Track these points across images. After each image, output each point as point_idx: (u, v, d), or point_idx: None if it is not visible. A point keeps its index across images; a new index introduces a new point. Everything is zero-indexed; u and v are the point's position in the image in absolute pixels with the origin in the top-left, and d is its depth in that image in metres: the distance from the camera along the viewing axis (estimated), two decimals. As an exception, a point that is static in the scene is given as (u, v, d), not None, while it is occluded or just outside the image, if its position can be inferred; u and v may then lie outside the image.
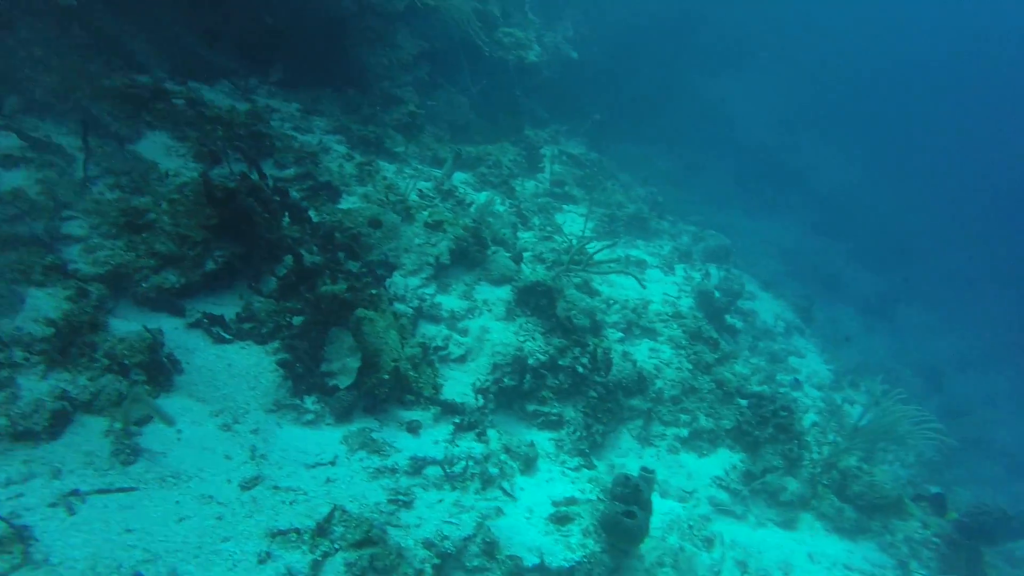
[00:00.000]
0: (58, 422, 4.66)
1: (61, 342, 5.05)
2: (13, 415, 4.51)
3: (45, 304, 5.31)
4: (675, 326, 9.68)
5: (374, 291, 6.24)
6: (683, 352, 9.12)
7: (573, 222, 11.53)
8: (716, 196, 22.24)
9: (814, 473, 8.44)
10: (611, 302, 9.54)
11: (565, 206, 11.95)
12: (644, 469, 5.90)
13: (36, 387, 4.81)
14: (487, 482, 5.97)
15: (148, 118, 7.79)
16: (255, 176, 6.55)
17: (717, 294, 11.09)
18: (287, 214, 6.92)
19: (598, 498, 6.38)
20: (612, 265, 8.34)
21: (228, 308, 6.33)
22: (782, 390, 10.61)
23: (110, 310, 5.68)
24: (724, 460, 8.35)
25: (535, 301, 8.21)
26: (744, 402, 8.83)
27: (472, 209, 9.57)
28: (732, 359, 9.96)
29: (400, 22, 11.97)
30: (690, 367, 8.89)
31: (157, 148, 7.58)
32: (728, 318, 11.02)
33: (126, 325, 5.63)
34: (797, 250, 21.73)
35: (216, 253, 6.28)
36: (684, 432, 8.46)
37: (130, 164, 6.69)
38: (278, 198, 6.71)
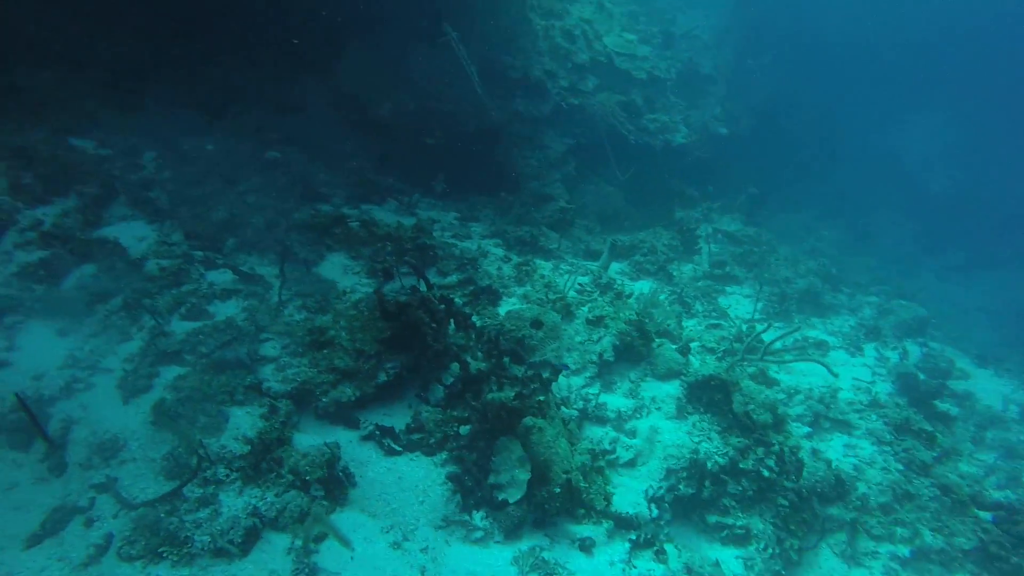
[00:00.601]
0: (249, 539, 4.91)
1: (255, 458, 5.43)
2: (214, 532, 4.84)
3: (244, 422, 5.82)
4: (874, 417, 8.33)
5: (541, 397, 6.06)
6: (888, 449, 7.73)
7: (739, 304, 10.70)
8: (896, 260, 19.75)
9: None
10: (792, 392, 8.49)
11: (727, 288, 11.19)
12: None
13: (234, 503, 5.16)
14: (674, 613, 5.25)
15: (329, 242, 8.66)
16: (423, 288, 6.86)
17: (922, 376, 9.45)
18: (452, 322, 7.12)
19: (811, 640, 5.33)
20: (794, 353, 7.43)
21: (398, 418, 6.51)
22: (1034, 496, 8.51)
23: (295, 425, 6.08)
24: (971, 591, 6.71)
25: (708, 396, 7.50)
26: (986, 515, 7.15)
27: (631, 300, 9.25)
28: (955, 456, 8.27)
29: (546, 124, 12.53)
30: (900, 467, 7.47)
31: (336, 268, 8.35)
32: (939, 404, 9.26)
33: (307, 439, 5.97)
34: (1017, 312, 18.21)
35: (388, 365, 6.56)
36: (904, 551, 6.99)
37: (314, 286, 7.38)
38: (444, 307, 6.95)
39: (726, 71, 17.00)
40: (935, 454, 7.55)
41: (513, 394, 6.01)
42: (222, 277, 7.38)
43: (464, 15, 11.57)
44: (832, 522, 7.04)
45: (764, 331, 7.80)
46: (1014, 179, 24.17)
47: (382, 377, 6.53)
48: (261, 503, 5.19)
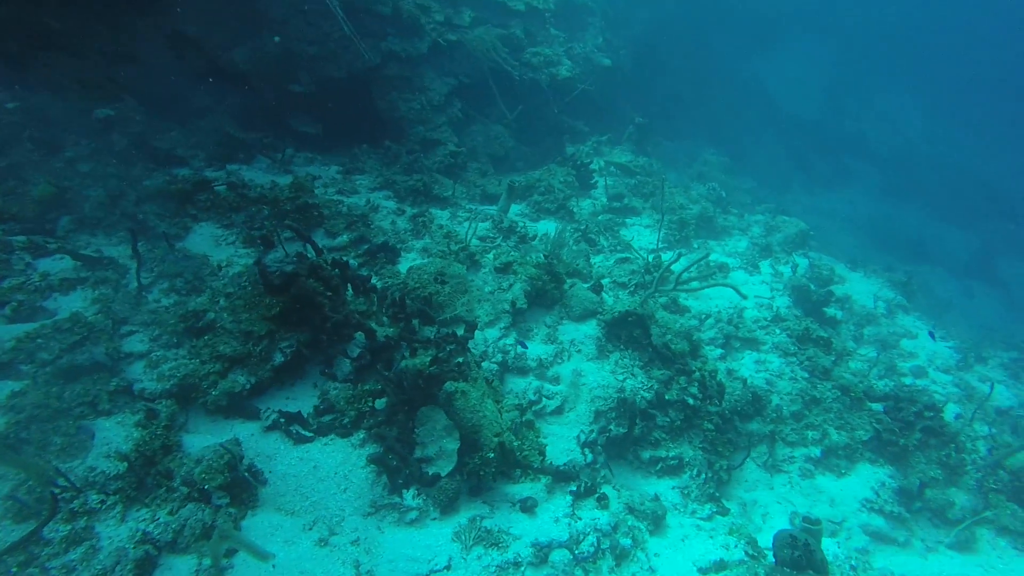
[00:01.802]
0: (143, 570, 4.15)
1: (136, 476, 4.58)
2: (94, 573, 4.03)
3: (115, 434, 4.89)
4: (778, 331, 8.70)
5: (460, 359, 5.60)
6: (794, 360, 8.12)
7: (640, 235, 10.71)
8: (772, 179, 21.04)
9: (979, 479, 7.26)
10: (703, 317, 8.65)
11: (628, 220, 11.16)
12: (806, 519, 4.98)
13: (115, 533, 4.33)
14: (621, 557, 5.17)
15: (193, 211, 7.49)
16: (311, 253, 6.06)
17: (812, 286, 10.01)
18: (350, 287, 6.41)
19: (748, 555, 5.48)
20: (703, 280, 7.47)
21: (304, 401, 5.81)
22: (907, 381, 9.40)
23: (182, 426, 5.23)
24: (869, 478, 7.27)
25: (626, 332, 7.42)
26: (878, 406, 7.73)
27: (537, 243, 8.90)
28: (846, 357, 8.88)
29: (424, 64, 11.58)
30: (806, 375, 7.87)
31: (206, 240, 7.25)
32: (827, 310, 9.91)
33: (200, 440, 5.16)
34: (871, 220, 20.17)
35: (283, 344, 5.79)
36: (815, 451, 7.43)
37: (182, 264, 6.32)
38: (338, 271, 6.20)
39: (602, 1, 16.63)
40: (832, 358, 8.01)
41: (429, 359, 5.50)
42: (58, 265, 6.12)
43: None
44: (754, 437, 7.29)
45: (673, 261, 7.77)
46: (864, 104, 26.26)
47: (278, 358, 5.76)
48: (152, 526, 4.40)
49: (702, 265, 9.32)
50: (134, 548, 4.17)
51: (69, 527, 4.21)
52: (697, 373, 7.09)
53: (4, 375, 4.92)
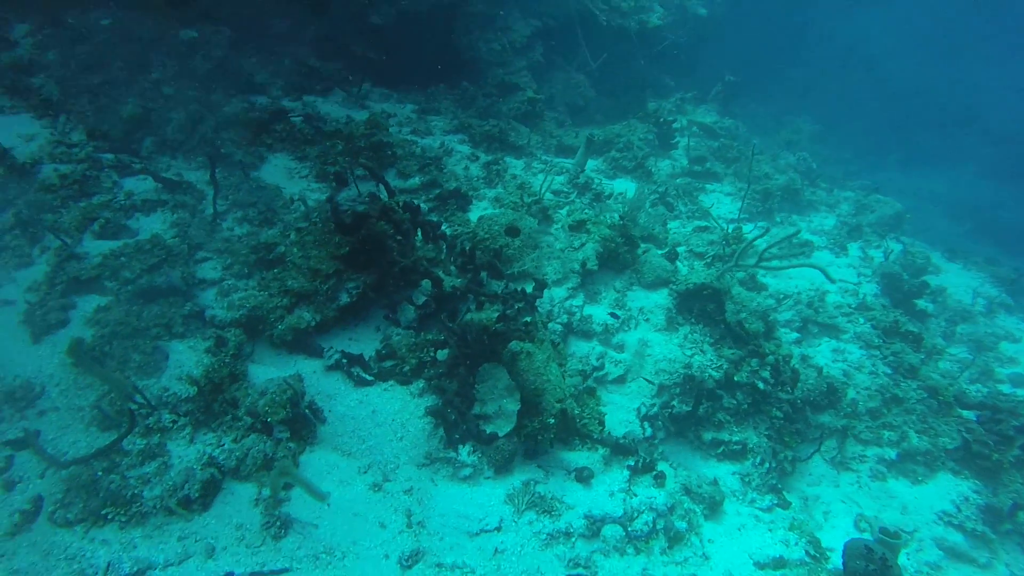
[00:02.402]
0: (209, 491, 4.27)
1: (205, 400, 4.68)
2: (167, 487, 4.16)
3: (187, 358, 4.99)
4: (862, 320, 8.11)
5: (528, 319, 5.41)
6: (877, 353, 7.55)
7: (720, 203, 10.09)
8: (868, 152, 19.52)
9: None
10: (781, 297, 8.14)
11: (708, 185, 10.53)
12: (884, 531, 4.64)
13: (185, 453, 4.46)
14: (674, 539, 5.00)
15: (269, 141, 7.46)
16: (384, 194, 5.92)
17: (905, 275, 9.25)
18: (419, 232, 6.26)
19: (809, 555, 5.21)
20: (788, 259, 6.95)
21: (366, 344, 5.79)
22: (1005, 389, 8.65)
23: (249, 356, 5.30)
24: (950, 489, 6.77)
25: (699, 306, 7.04)
26: (971, 414, 7.14)
27: (611, 202, 8.50)
28: (936, 356, 8.23)
29: (511, 3, 11.01)
30: (888, 371, 7.32)
31: (279, 172, 7.23)
32: (920, 302, 9.16)
33: (264, 371, 5.22)
34: (977, 205, 18.45)
35: (349, 285, 5.74)
36: (891, 453, 6.96)
37: (256, 194, 6.31)
38: (408, 215, 6.05)
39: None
40: (921, 356, 7.41)
41: (496, 315, 5.33)
42: (142, 185, 6.21)
43: None
44: (824, 430, 6.89)
45: (759, 236, 7.25)
46: (970, 79, 23.78)
47: (344, 298, 5.73)
48: (218, 451, 4.51)
49: (786, 243, 8.71)
50: (201, 469, 4.28)
51: (144, 442, 4.35)
52: (771, 356, 6.69)
53: (91, 290, 5.06)
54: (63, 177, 5.86)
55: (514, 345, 5.11)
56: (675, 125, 11.70)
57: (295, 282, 5.59)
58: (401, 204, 6.06)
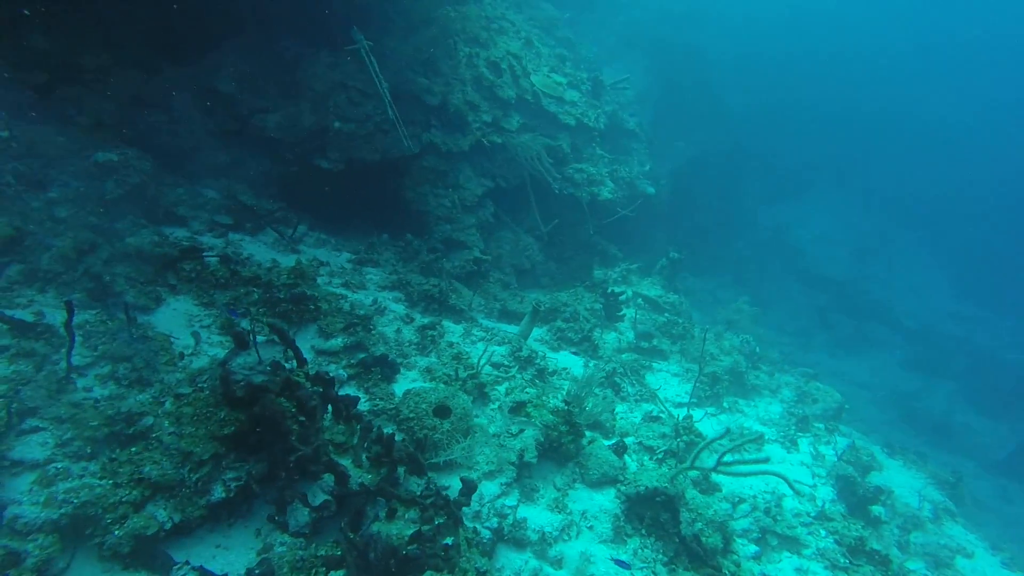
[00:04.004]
0: None
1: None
2: None
3: (-40, 583, 3.52)
4: (823, 532, 7.31)
5: (449, 540, 4.27)
6: (843, 575, 6.67)
7: (667, 384, 9.54)
8: (794, 333, 20.23)
9: None
10: (736, 500, 7.30)
11: (655, 363, 10.04)
12: None
13: None
14: None
15: (173, 281, 6.44)
16: (292, 365, 4.92)
17: (858, 478, 8.67)
18: (330, 407, 5.19)
19: None
20: (753, 465, 6.22)
21: (238, 553, 4.44)
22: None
23: (59, 574, 3.85)
24: None
25: (651, 514, 6.07)
26: (953, 663, 6.17)
27: (555, 379, 7.75)
28: (902, 576, 7.40)
29: (464, 161, 11.00)
30: (864, 604, 6.40)
31: (177, 318, 6.14)
32: (875, 508, 8.52)
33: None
34: (896, 394, 19.03)
35: (228, 475, 4.51)
36: None
37: (135, 346, 5.16)
38: (319, 389, 5.02)
39: (647, 129, 16.54)
40: (896, 586, 6.56)
41: (409, 532, 4.18)
42: (-17, 325, 4.97)
43: (376, 26, 9.93)
44: None
45: (718, 437, 6.57)
46: (890, 271, 25.97)
47: (218, 492, 4.46)
48: None
49: (749, 445, 8.08)
50: None
51: None
52: (734, 583, 5.67)
53: None
54: None
55: (429, 579, 3.92)
56: (621, 297, 11.47)
57: (155, 468, 4.32)
58: (312, 375, 5.05)
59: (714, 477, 7.35)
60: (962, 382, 21.57)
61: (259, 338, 5.75)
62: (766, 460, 6.07)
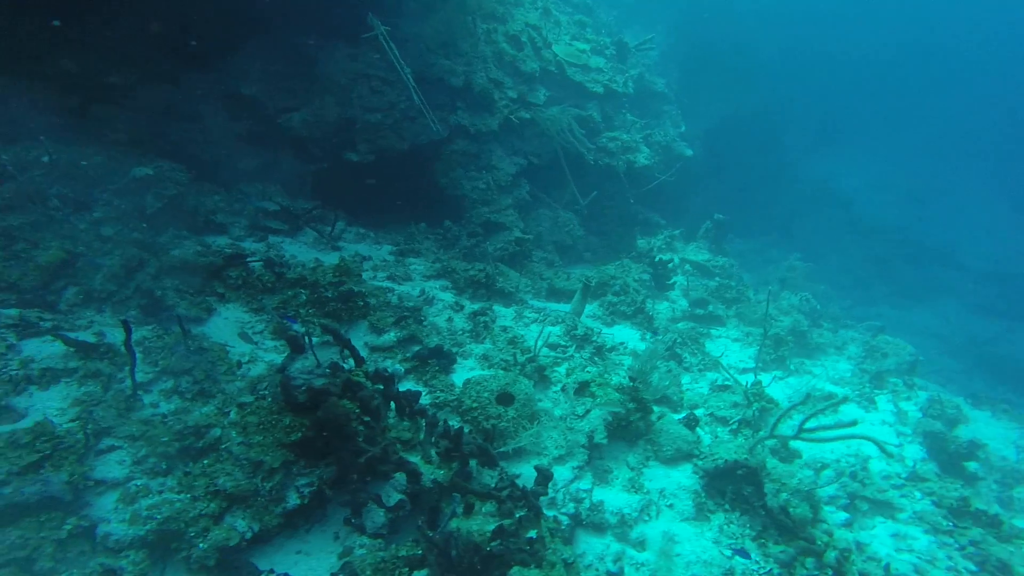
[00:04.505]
0: None
1: None
2: None
3: (53, 608, 3.51)
4: (918, 494, 6.90)
5: (533, 532, 4.09)
6: (950, 541, 6.26)
7: (728, 350, 9.16)
8: (851, 287, 19.37)
9: None
10: (818, 466, 6.94)
11: (712, 330, 9.67)
12: None
13: None
14: None
15: (220, 289, 6.39)
16: (349, 364, 4.78)
17: (948, 433, 8.19)
18: (393, 405, 5.06)
19: None
20: (835, 429, 5.87)
21: (319, 559, 4.37)
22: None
23: (152, 592, 3.82)
24: None
25: (733, 488, 5.79)
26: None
27: (614, 355, 7.49)
28: (1018, 540, 6.95)
29: (494, 141, 10.71)
30: (973, 568, 5.99)
31: (229, 326, 6.09)
32: (970, 464, 8.03)
33: (173, 615, 3.74)
34: (973, 340, 18.05)
35: (301, 482, 4.42)
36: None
37: (193, 358, 5.11)
38: (381, 387, 4.88)
39: (676, 89, 15.90)
40: (1011, 548, 6.12)
41: (491, 527, 4.02)
42: (46, 349, 4.98)
43: (390, 10, 9.65)
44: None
45: (797, 405, 6.21)
46: (953, 212, 24.68)
47: (293, 499, 4.39)
48: None
49: (828, 409, 7.70)
50: None
51: None
52: (830, 552, 5.37)
53: (-75, 508, 3.65)
54: (-59, 342, 4.64)
55: (514, 573, 3.75)
56: (669, 265, 11.08)
57: (228, 479, 4.25)
58: (371, 373, 4.91)
59: (793, 444, 7.01)
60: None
61: (313, 339, 5.65)
62: (853, 423, 5.68)
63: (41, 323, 5.18)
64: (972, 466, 8.15)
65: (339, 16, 9.57)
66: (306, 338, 4.58)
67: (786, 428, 6.76)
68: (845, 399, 6.46)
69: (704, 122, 18.01)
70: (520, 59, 11.49)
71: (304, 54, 9.90)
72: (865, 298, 18.70)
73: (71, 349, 5.00)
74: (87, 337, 5.17)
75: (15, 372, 4.65)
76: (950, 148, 27.46)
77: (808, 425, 5.91)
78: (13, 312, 5.20)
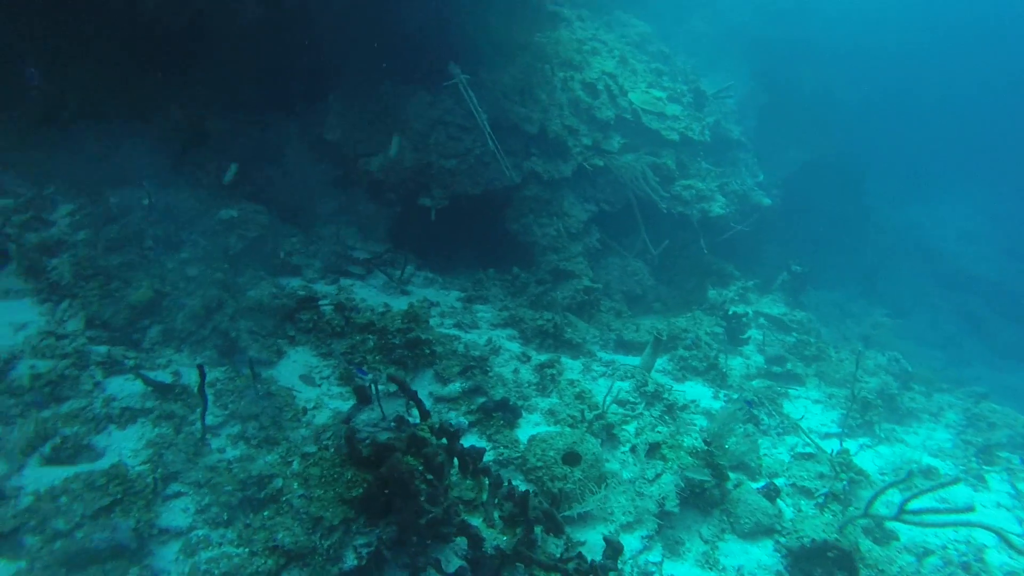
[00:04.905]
0: None
1: None
2: None
3: (110, 662, 3.47)
4: (1042, 596, 6.03)
5: (601, 618, 3.78)
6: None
7: (809, 413, 8.52)
8: (939, 344, 17.93)
9: None
10: (921, 552, 6.21)
11: (790, 389, 9.05)
12: None
13: None
14: None
15: (292, 332, 6.49)
16: (414, 417, 4.67)
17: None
18: (456, 462, 4.89)
19: None
20: (947, 514, 5.24)
21: (373, 625, 4.18)
22: None
23: (206, 651, 3.74)
24: None
25: (823, 572, 5.24)
26: None
27: (684, 414, 7.08)
28: None
29: (566, 188, 10.66)
30: None
31: (297, 369, 6.14)
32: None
33: (226, 678, 3.63)
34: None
35: (359, 541, 4.28)
36: None
37: (261, 403, 5.15)
38: (444, 442, 4.74)
39: (752, 137, 15.49)
40: None
41: (558, 609, 3.73)
42: (128, 388, 5.14)
43: (470, 58, 9.87)
44: None
45: (897, 483, 5.62)
46: None
47: (350, 560, 4.24)
48: None
49: (914, 474, 7.00)
50: None
51: None
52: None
53: (4, 546, 3.73)
54: (36, 377, 4.87)
55: (585, 668, 3.44)
56: (743, 319, 10.55)
57: (287, 534, 4.17)
58: (437, 426, 4.78)
59: (889, 523, 6.33)
60: None
61: (379, 387, 5.60)
62: (969, 508, 5.06)
63: (126, 361, 5.38)
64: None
65: (420, 64, 9.89)
66: (373, 387, 4.51)
67: (880, 506, 6.14)
68: (956, 480, 5.72)
69: (782, 170, 17.43)
70: (596, 106, 11.50)
71: (385, 101, 10.24)
72: (957, 358, 17.22)
73: (149, 389, 5.14)
74: (164, 377, 5.32)
75: (99, 411, 4.80)
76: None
77: (911, 506, 5.31)
78: (102, 350, 5.42)
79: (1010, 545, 4.78)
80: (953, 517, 5.09)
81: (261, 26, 8.14)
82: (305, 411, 5.43)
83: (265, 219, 7.91)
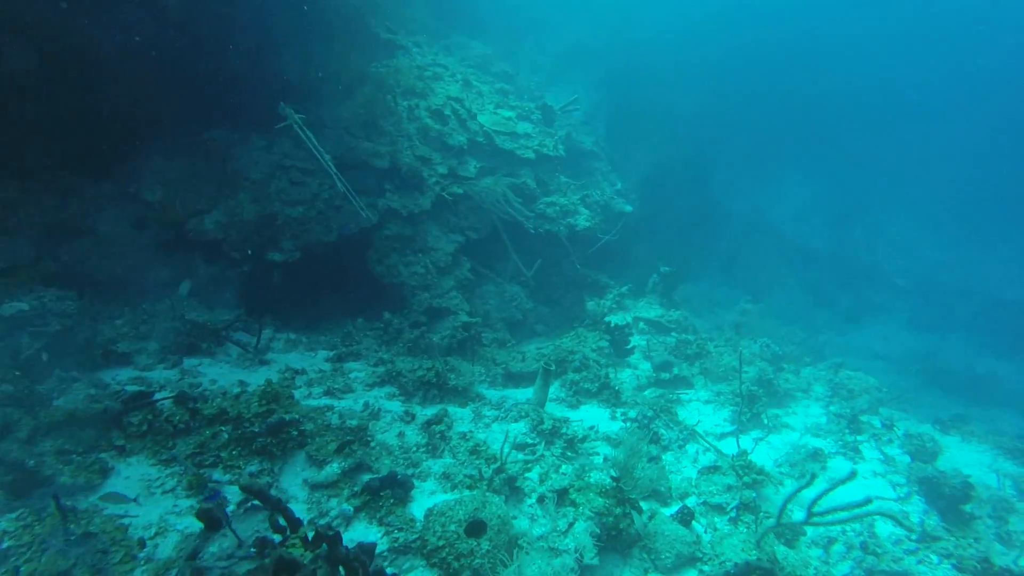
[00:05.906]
0: None
1: None
2: None
3: None
4: (934, 558, 6.38)
5: None
6: (979, 608, 5.70)
7: (702, 415, 8.59)
8: (795, 318, 19.57)
9: None
10: (825, 543, 6.31)
11: (682, 394, 9.11)
12: None
13: None
14: None
15: (120, 441, 5.32)
16: (280, 532, 3.84)
17: (943, 477, 7.79)
18: (342, 570, 4.11)
19: None
20: (847, 510, 5.28)
21: None
22: None
23: None
24: None
25: (748, 596, 5.05)
26: None
27: (585, 445, 6.76)
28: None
29: (428, 221, 10.10)
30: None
31: (132, 486, 5.01)
32: (967, 507, 7.62)
33: None
34: (912, 357, 18.41)
35: None
36: None
37: (74, 554, 4.02)
38: (324, 551, 3.94)
39: (604, 146, 15.94)
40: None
41: None
42: None
43: (305, 96, 9.07)
44: None
45: (803, 487, 5.60)
46: (873, 233, 25.81)
47: None
48: None
49: (800, 459, 7.19)
50: None
51: None
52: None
53: None
54: None
55: None
56: (624, 329, 10.58)
57: None
58: (311, 537, 3.98)
59: (792, 517, 6.38)
60: (972, 330, 21.14)
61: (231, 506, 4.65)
62: (868, 501, 5.13)
63: None
64: (969, 508, 7.75)
65: (247, 107, 8.91)
66: (221, 510, 3.64)
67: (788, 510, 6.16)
68: (853, 475, 5.84)
69: (636, 173, 18.15)
70: (446, 132, 11.09)
71: (212, 150, 9.11)
72: (810, 327, 18.84)
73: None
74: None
75: None
76: (866, 170, 29.08)
77: (817, 508, 5.31)
78: None
79: (903, 526, 4.92)
80: (855, 512, 5.15)
81: (34, 75, 6.84)
82: (143, 544, 4.36)
83: (70, 306, 6.55)
